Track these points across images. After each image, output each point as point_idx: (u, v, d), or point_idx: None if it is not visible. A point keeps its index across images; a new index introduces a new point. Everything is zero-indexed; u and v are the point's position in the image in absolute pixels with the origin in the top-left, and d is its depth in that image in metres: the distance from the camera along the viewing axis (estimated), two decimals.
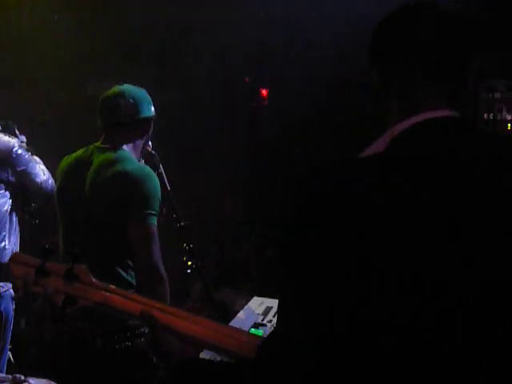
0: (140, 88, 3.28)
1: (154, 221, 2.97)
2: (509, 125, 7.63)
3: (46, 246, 1.66)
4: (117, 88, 3.22)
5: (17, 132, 4.03)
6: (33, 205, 4.13)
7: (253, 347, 1.42)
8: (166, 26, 8.12)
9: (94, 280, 1.63)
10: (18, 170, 3.72)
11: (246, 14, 7.84)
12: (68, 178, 3.18)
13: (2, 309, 3.71)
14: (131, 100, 3.15)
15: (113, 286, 1.66)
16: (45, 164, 4.00)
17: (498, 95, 7.61)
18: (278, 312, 1.35)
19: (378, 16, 1.44)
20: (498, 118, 7.59)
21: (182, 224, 3.75)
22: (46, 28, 7.79)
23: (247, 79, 8.84)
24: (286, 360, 1.27)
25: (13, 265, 1.68)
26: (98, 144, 3.19)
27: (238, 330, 1.71)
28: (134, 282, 3.03)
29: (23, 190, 3.83)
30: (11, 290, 3.76)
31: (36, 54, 7.68)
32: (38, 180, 3.80)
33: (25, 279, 1.64)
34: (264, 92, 8.85)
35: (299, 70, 7.52)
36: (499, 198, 1.24)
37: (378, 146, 1.30)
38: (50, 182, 3.85)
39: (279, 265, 1.31)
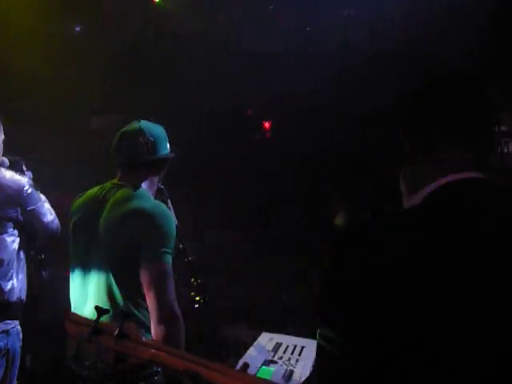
0: (158, 125, 3.26)
1: (169, 259, 2.93)
2: None
3: (99, 307, 1.75)
4: (135, 125, 3.19)
5: (24, 168, 4.02)
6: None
7: None
8: (167, 59, 8.17)
9: (143, 338, 1.71)
10: (28, 209, 3.71)
11: (246, 48, 7.91)
12: (83, 216, 3.16)
13: (8, 346, 3.68)
14: (151, 138, 3.13)
15: (160, 344, 1.77)
16: (50, 198, 4.00)
17: (504, 128, 7.69)
18: (316, 353, 1.42)
19: (382, 49, 1.59)
20: (505, 151, 7.66)
21: (190, 259, 3.74)
22: (49, 63, 7.83)
23: (249, 112, 8.89)
24: None
25: (68, 324, 1.76)
26: (114, 181, 3.18)
27: None
28: (146, 322, 2.98)
29: (29, 228, 3.81)
30: (18, 327, 3.74)
31: (36, 88, 7.70)
32: (45, 220, 3.80)
33: (79, 337, 1.71)
34: (266, 125, 8.90)
35: (302, 103, 7.56)
36: None
37: (416, 200, 1.50)
38: (55, 222, 3.86)
39: (318, 311, 1.41)
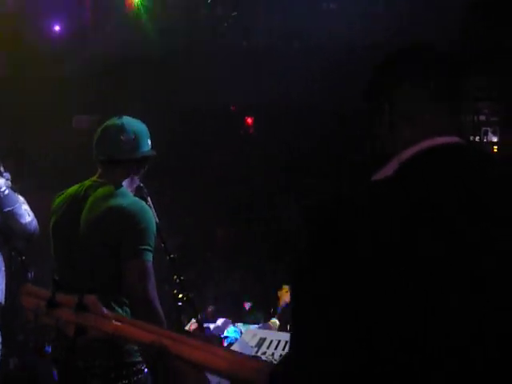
0: (139, 121, 3.21)
1: (150, 256, 2.91)
2: (495, 147, 7.72)
3: (55, 278, 1.68)
4: (117, 121, 3.13)
5: (1, 169, 3.97)
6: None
7: (264, 374, 1.42)
8: (150, 57, 8.13)
9: (104, 310, 1.63)
10: (5, 210, 3.66)
11: (229, 44, 7.89)
12: (63, 215, 3.12)
13: None
14: (132, 135, 3.08)
15: (123, 316, 1.65)
16: (30, 199, 3.95)
17: (483, 118, 7.74)
18: (290, 337, 1.35)
19: (365, 46, 1.51)
20: (484, 140, 7.71)
21: (172, 256, 3.70)
22: (31, 63, 7.77)
23: (233, 108, 8.86)
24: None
25: (24, 297, 1.68)
26: (94, 179, 3.13)
27: (249, 357, 1.69)
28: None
29: (6, 230, 3.76)
30: None
31: (20, 89, 7.66)
32: (23, 221, 3.75)
33: (36, 311, 1.64)
34: (249, 120, 8.88)
35: (284, 98, 7.55)
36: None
37: (388, 170, 1.33)
38: (33, 223, 3.81)
39: (292, 294, 1.32)
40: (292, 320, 1.30)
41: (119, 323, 1.61)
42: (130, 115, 3.25)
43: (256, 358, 2.96)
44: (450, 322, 1.18)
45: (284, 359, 1.39)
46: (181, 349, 1.55)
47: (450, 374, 1.18)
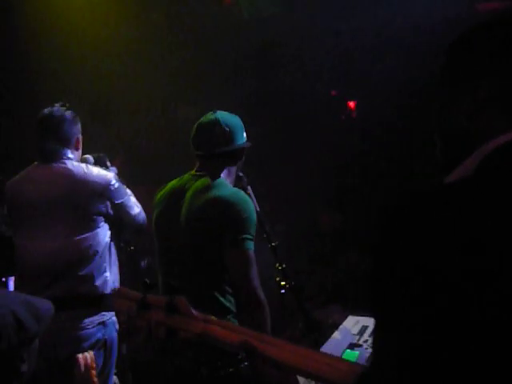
0: (233, 115, 3.30)
1: (251, 245, 2.97)
2: None
3: (147, 281, 1.72)
4: (211, 116, 3.23)
5: (108, 164, 4.15)
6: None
7: (351, 376, 1.40)
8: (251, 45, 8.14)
9: (193, 311, 1.66)
10: (116, 202, 3.83)
11: (328, 27, 7.79)
12: (164, 207, 3.24)
13: (106, 336, 3.80)
14: (226, 129, 3.17)
15: (212, 317, 1.69)
16: (136, 191, 4.10)
17: None
18: (372, 342, 1.29)
19: (467, 24, 1.36)
20: None
21: (273, 244, 3.75)
22: (135, 53, 7.95)
23: (334, 92, 8.77)
24: None
25: (116, 299, 1.74)
26: (192, 172, 3.24)
27: (338, 359, 1.67)
28: (232, 308, 3.04)
29: (117, 221, 3.91)
30: (114, 318, 3.85)
31: (125, 79, 7.85)
32: (133, 213, 3.91)
33: (127, 313, 1.69)
34: (352, 104, 8.76)
35: (386, 81, 7.39)
36: None
37: (466, 168, 1.17)
38: (141, 215, 3.96)
39: (369, 293, 1.23)
40: (374, 326, 1.23)
41: (208, 324, 1.65)
42: (227, 104, 3.34)
43: (357, 345, 2.96)
44: None
45: (369, 363, 1.35)
46: (269, 350, 1.56)
47: None
